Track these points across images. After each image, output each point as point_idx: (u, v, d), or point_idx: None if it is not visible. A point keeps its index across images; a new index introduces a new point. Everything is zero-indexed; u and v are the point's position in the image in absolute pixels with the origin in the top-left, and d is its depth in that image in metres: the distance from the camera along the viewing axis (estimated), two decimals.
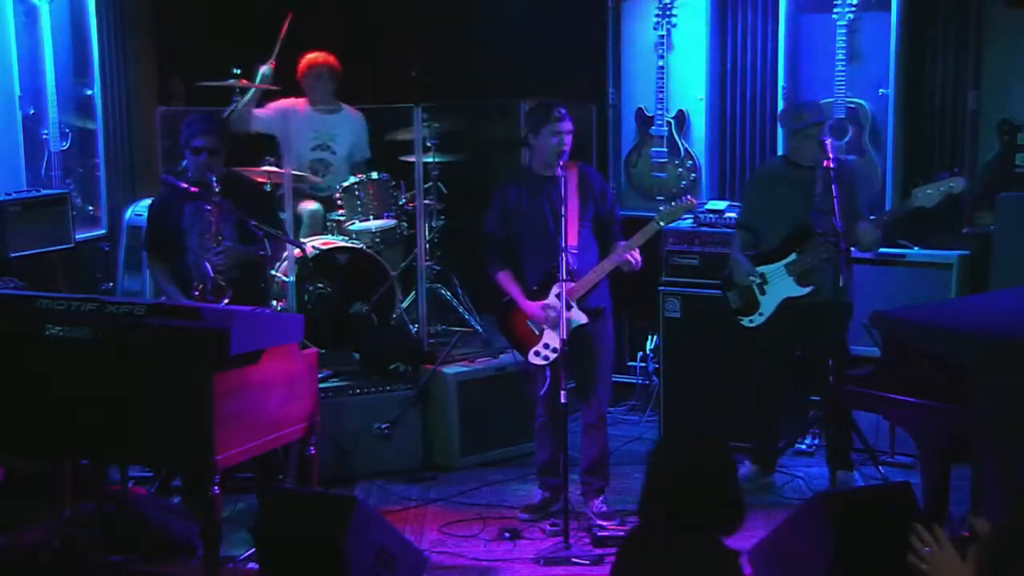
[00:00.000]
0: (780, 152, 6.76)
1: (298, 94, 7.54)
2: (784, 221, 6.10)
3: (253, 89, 7.22)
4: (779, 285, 6.08)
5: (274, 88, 7.33)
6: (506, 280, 5.86)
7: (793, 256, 6.04)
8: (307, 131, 7.49)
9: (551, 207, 5.70)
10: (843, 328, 5.99)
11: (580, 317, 5.71)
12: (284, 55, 7.37)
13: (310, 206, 7.37)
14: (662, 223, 5.83)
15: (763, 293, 6.12)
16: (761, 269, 6.11)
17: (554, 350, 5.72)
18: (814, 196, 5.99)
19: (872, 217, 6.05)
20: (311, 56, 7.51)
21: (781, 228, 6.11)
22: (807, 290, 6.02)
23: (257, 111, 7.33)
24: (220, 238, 5.86)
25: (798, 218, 6.04)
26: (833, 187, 5.70)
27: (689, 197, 6.05)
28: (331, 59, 7.52)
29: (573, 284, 5.67)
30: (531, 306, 5.79)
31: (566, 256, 5.59)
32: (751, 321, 6.19)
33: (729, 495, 3.54)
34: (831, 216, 5.74)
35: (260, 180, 6.99)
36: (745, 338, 6.25)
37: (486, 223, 5.93)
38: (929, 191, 5.74)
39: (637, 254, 5.73)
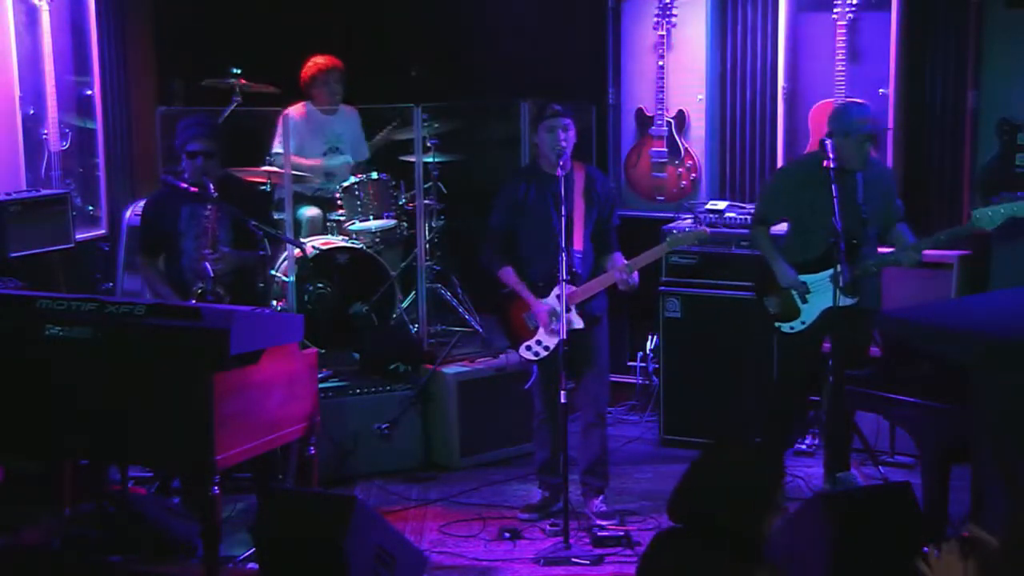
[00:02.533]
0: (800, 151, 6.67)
1: (292, 99, 7.49)
2: (824, 226, 5.69)
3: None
4: (823, 295, 5.80)
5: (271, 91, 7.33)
6: (510, 276, 5.85)
7: (840, 267, 5.69)
8: (318, 136, 7.50)
9: (556, 206, 5.70)
10: (871, 334, 5.88)
11: (577, 322, 5.71)
12: (280, 57, 7.36)
13: (310, 212, 7.36)
14: (671, 248, 5.82)
15: (804, 301, 5.90)
16: (803, 279, 5.88)
17: (546, 348, 5.78)
18: (859, 203, 5.74)
19: (926, 238, 5.78)
20: (320, 60, 7.46)
21: (819, 234, 5.76)
22: (853, 300, 5.71)
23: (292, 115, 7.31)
24: (216, 243, 5.86)
25: (845, 226, 5.58)
26: (833, 187, 5.62)
27: (704, 227, 5.82)
28: (338, 61, 7.51)
29: (575, 288, 5.68)
30: (538, 304, 5.79)
31: (571, 259, 5.61)
32: (791, 328, 5.95)
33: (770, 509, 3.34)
34: (870, 225, 5.66)
35: (260, 181, 6.99)
36: (774, 340, 6.12)
37: (491, 218, 5.93)
38: (990, 213, 5.52)
39: (636, 276, 5.74)
